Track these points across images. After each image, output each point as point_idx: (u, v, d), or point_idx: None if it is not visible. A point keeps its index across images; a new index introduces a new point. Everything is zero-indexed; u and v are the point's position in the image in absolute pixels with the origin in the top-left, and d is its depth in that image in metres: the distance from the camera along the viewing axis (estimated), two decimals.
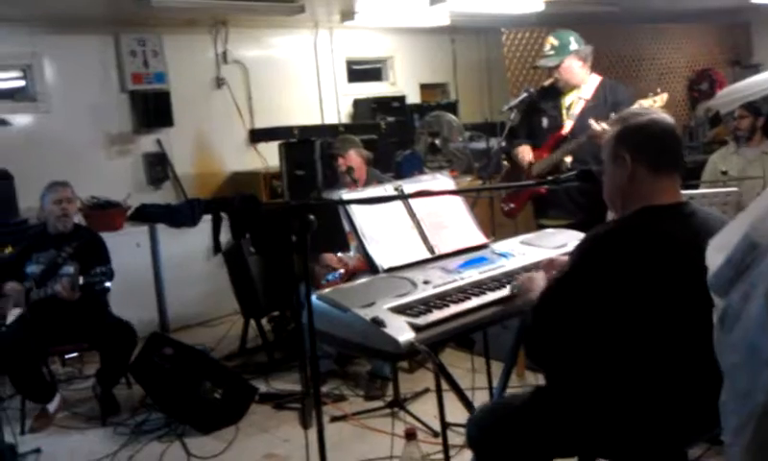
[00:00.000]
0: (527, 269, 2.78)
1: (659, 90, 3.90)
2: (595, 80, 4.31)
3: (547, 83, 4.37)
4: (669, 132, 2.16)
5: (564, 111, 4.33)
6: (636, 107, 3.85)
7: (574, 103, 4.30)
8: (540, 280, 2.41)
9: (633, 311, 1.98)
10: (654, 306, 1.98)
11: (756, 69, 8.75)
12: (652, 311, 1.98)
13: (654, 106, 3.80)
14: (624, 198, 2.17)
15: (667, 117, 2.19)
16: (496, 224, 4.40)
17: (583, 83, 4.29)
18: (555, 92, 4.38)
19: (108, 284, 4.29)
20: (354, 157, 4.79)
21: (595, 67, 4.38)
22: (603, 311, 1.99)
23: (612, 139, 2.20)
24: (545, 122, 4.40)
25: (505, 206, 4.63)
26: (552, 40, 4.26)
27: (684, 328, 1.98)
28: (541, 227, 4.16)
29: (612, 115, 3.20)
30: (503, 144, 4.96)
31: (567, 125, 4.27)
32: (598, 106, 4.18)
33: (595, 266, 2.03)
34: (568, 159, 4.20)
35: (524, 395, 2.34)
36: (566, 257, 2.39)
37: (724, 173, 5.12)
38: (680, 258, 1.99)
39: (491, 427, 2.29)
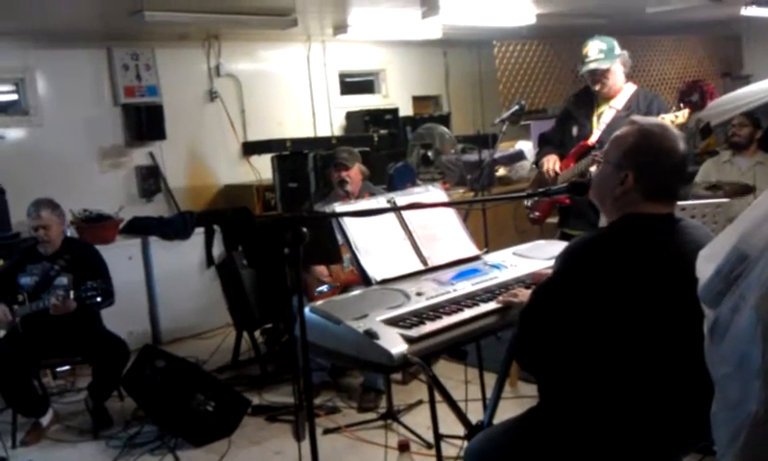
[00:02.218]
0: (520, 280, 2.79)
1: (681, 106, 3.83)
2: (630, 89, 4.23)
3: (596, 87, 4.22)
4: (679, 166, 2.10)
5: (595, 120, 4.25)
6: (660, 121, 3.83)
7: (605, 113, 4.22)
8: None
9: (618, 319, 1.97)
10: (639, 314, 1.97)
11: (746, 81, 8.81)
12: (638, 319, 1.97)
13: (676, 121, 3.76)
14: (614, 205, 2.15)
15: (683, 145, 2.11)
16: (521, 230, 4.36)
17: (620, 91, 4.21)
18: (589, 101, 4.31)
19: (98, 299, 4.26)
20: (356, 173, 4.82)
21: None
22: (588, 318, 1.99)
23: (622, 144, 2.13)
24: (575, 130, 4.33)
25: (530, 213, 4.61)
26: (599, 45, 4.16)
27: (673, 338, 1.98)
28: (564, 235, 4.15)
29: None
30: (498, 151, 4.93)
31: (595, 134, 4.21)
32: (630, 116, 4.10)
33: (580, 272, 2.02)
34: (593, 169, 4.14)
35: (516, 419, 2.32)
36: None
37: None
38: (666, 267, 1.99)
39: (488, 457, 2.28)
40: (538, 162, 4.53)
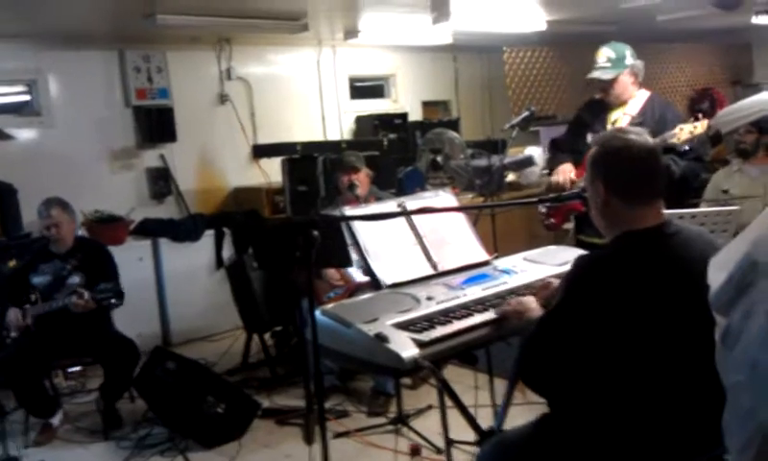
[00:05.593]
0: (530, 286, 2.80)
1: (700, 116, 3.77)
2: (644, 95, 4.17)
3: (598, 95, 4.21)
4: (643, 159, 2.10)
5: (609, 127, 4.16)
6: (637, 128, 3.84)
7: (619, 120, 4.15)
8: (531, 303, 2.43)
9: (625, 334, 1.99)
10: (641, 329, 1.98)
11: (756, 88, 8.78)
12: (641, 334, 1.99)
13: (695, 131, 3.74)
14: (605, 220, 2.17)
15: (646, 141, 2.13)
16: (533, 235, 4.34)
17: (631, 98, 4.15)
18: (602, 108, 4.25)
19: (113, 301, 4.29)
20: (364, 176, 4.86)
21: None
22: (597, 336, 2.00)
23: (588, 161, 2.19)
24: (590, 138, 4.29)
25: (546, 220, 4.59)
26: (608, 52, 4.10)
27: (678, 348, 1.99)
28: (579, 243, 4.11)
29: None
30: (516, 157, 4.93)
31: None
32: (645, 123, 4.02)
33: (581, 295, 2.03)
34: None
35: (528, 426, 2.33)
36: (558, 282, 2.42)
37: (725, 192, 5.12)
38: (663, 280, 2.01)
39: None
40: (551, 169, 4.50)
